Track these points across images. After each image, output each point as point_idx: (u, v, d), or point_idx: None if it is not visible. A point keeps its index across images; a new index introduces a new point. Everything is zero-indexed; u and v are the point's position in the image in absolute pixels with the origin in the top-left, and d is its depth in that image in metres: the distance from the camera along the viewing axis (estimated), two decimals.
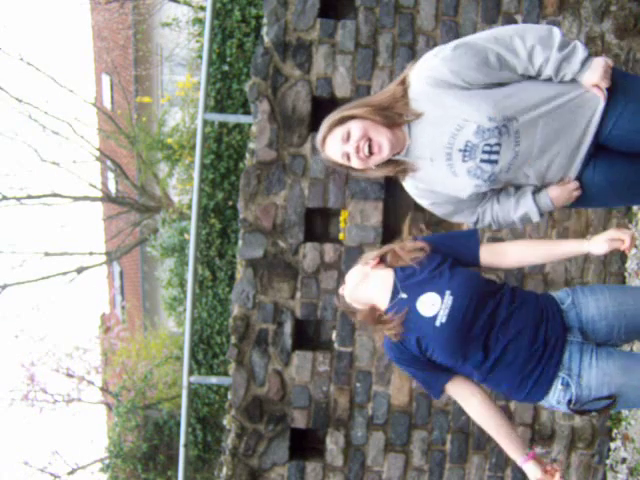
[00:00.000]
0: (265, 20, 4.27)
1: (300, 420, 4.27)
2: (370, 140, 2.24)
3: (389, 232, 4.31)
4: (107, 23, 12.11)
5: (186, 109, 9.03)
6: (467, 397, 2.34)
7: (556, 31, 2.23)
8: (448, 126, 2.22)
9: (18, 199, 11.39)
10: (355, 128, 2.24)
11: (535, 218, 2.41)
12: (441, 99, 2.22)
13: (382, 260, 2.43)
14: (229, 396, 4.32)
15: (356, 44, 4.22)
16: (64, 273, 11.77)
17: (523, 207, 2.39)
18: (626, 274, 4.21)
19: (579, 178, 2.35)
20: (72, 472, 11.32)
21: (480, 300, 2.24)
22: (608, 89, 2.26)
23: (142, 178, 10.84)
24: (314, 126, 4.30)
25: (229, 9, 6.50)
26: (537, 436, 4.19)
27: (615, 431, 4.20)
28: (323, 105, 4.33)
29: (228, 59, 6.51)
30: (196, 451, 7.33)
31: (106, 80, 14.61)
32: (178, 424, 7.67)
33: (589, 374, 2.21)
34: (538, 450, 4.15)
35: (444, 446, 4.22)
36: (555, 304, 2.33)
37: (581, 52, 2.20)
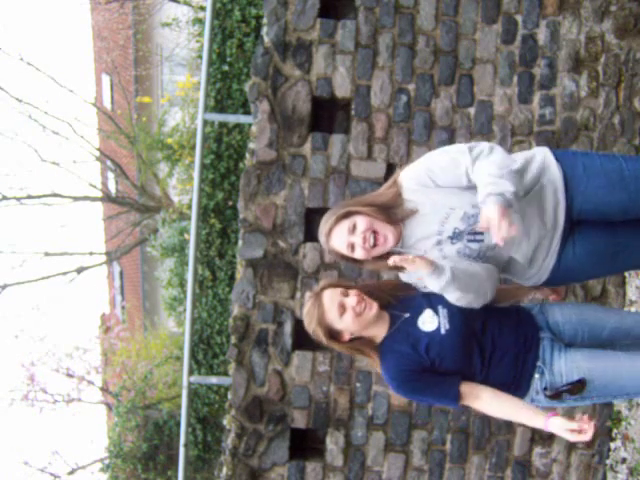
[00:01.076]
0: (265, 20, 4.27)
1: (300, 420, 4.27)
2: (375, 233, 2.48)
3: None
4: (107, 23, 12.12)
5: (186, 109, 9.03)
6: (478, 393, 2.46)
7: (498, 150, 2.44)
8: (437, 215, 2.48)
9: (18, 199, 11.39)
10: (361, 221, 2.49)
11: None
12: (428, 194, 2.50)
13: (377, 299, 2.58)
14: (229, 396, 4.32)
15: (356, 44, 4.22)
16: (64, 273, 11.77)
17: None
18: (626, 274, 4.21)
19: (560, 255, 2.54)
20: (72, 472, 11.33)
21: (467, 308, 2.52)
22: (571, 169, 2.49)
23: (142, 178, 10.84)
24: (314, 126, 4.30)
25: (229, 9, 6.49)
26: (537, 436, 4.18)
27: (615, 431, 4.20)
28: (323, 105, 4.33)
29: (228, 59, 6.50)
30: (196, 451, 7.33)
31: (106, 80, 14.62)
32: (178, 424, 7.67)
33: (559, 362, 2.47)
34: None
35: (444, 446, 4.22)
36: (524, 309, 2.64)
37: (507, 186, 2.30)
